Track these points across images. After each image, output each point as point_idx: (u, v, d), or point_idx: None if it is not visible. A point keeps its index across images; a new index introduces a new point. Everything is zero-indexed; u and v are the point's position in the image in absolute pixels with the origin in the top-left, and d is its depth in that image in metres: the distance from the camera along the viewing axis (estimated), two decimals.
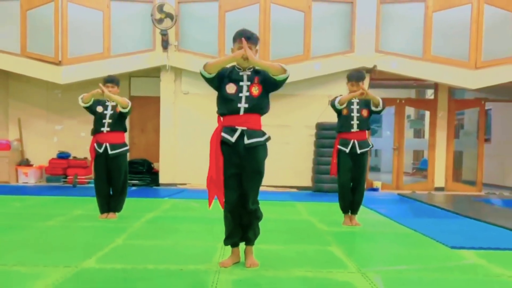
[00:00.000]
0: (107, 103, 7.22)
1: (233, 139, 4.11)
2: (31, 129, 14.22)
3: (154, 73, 13.54)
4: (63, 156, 13.59)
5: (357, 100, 6.97)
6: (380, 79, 13.39)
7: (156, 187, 13.24)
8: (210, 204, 4.22)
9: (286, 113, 13.30)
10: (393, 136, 14.45)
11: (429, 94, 16.49)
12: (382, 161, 21.47)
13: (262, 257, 4.80)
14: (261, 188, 4.39)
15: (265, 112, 4.25)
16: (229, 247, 4.69)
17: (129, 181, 12.19)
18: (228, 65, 4.22)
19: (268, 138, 4.27)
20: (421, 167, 18.58)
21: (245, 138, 4.11)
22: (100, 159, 7.15)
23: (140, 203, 9.27)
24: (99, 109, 7.18)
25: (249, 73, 4.20)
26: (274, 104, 13.53)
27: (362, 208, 8.84)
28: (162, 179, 13.39)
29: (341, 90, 13.04)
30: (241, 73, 4.20)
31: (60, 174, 13.44)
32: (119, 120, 7.21)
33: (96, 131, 7.19)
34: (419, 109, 19.47)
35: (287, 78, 4.04)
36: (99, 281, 3.90)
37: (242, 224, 4.35)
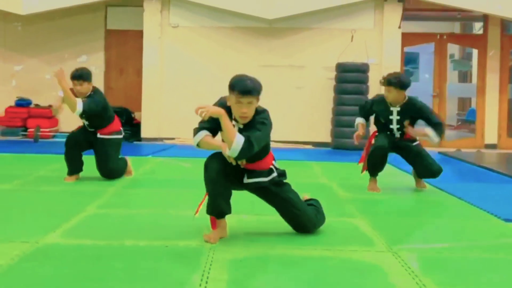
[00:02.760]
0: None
1: None
2: None
3: (136, 1, 13.40)
4: (22, 103, 13.52)
5: (398, 109, 6.87)
6: (416, 9, 13.19)
7: (137, 142, 13.23)
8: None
9: (299, 51, 13.15)
10: (433, 80, 14.38)
11: (477, 28, 16.32)
12: None
13: (267, 231, 4.80)
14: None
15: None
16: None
17: None
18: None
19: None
20: (468, 119, 18.48)
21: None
22: (83, 130, 7.32)
23: None
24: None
25: None
26: (285, 40, 13.55)
27: (392, 170, 8.79)
28: (144, 133, 13.36)
29: (368, 23, 12.87)
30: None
31: (18, 126, 13.40)
32: (96, 118, 7.16)
33: None
34: (464, 47, 19.29)
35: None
36: (64, 260, 3.86)
37: None
